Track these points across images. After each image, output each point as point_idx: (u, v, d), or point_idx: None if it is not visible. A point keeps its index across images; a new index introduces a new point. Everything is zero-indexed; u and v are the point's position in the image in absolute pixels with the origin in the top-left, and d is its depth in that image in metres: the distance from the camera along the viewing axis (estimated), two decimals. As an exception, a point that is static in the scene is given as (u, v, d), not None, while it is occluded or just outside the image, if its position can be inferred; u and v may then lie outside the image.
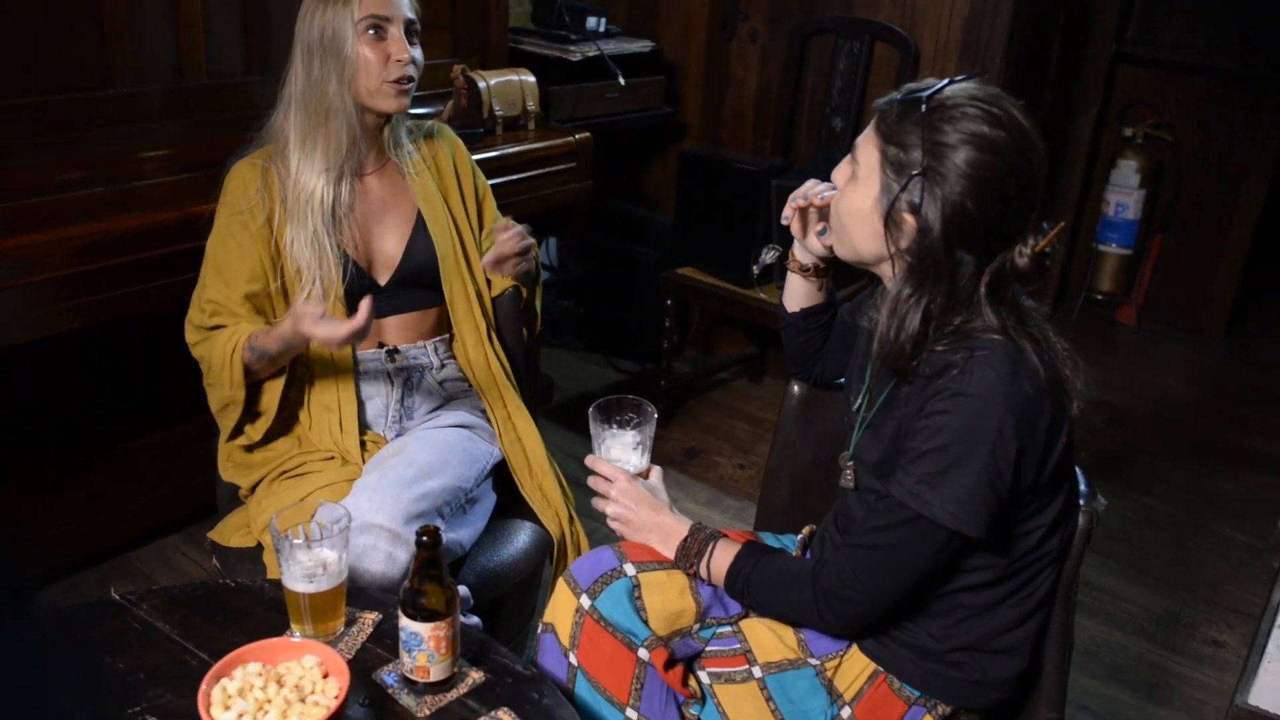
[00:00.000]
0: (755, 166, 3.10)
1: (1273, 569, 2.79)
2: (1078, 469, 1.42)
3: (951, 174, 1.20)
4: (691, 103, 3.74)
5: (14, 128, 2.08)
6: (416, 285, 1.84)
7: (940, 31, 3.12)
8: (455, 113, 2.81)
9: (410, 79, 1.73)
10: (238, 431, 1.77)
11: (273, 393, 1.74)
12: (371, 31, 1.68)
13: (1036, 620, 1.37)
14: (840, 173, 1.36)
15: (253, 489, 1.77)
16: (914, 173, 1.23)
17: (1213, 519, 3.11)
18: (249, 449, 1.78)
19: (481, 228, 1.95)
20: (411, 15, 1.73)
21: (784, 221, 1.52)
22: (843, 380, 1.60)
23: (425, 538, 1.20)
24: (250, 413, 1.75)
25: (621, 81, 3.34)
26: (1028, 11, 3.10)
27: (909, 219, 1.25)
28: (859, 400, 1.42)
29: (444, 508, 1.65)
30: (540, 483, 1.89)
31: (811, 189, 1.46)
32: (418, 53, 1.74)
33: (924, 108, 1.23)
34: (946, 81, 1.26)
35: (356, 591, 1.43)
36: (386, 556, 1.53)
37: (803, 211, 1.50)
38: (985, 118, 1.21)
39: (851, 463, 1.41)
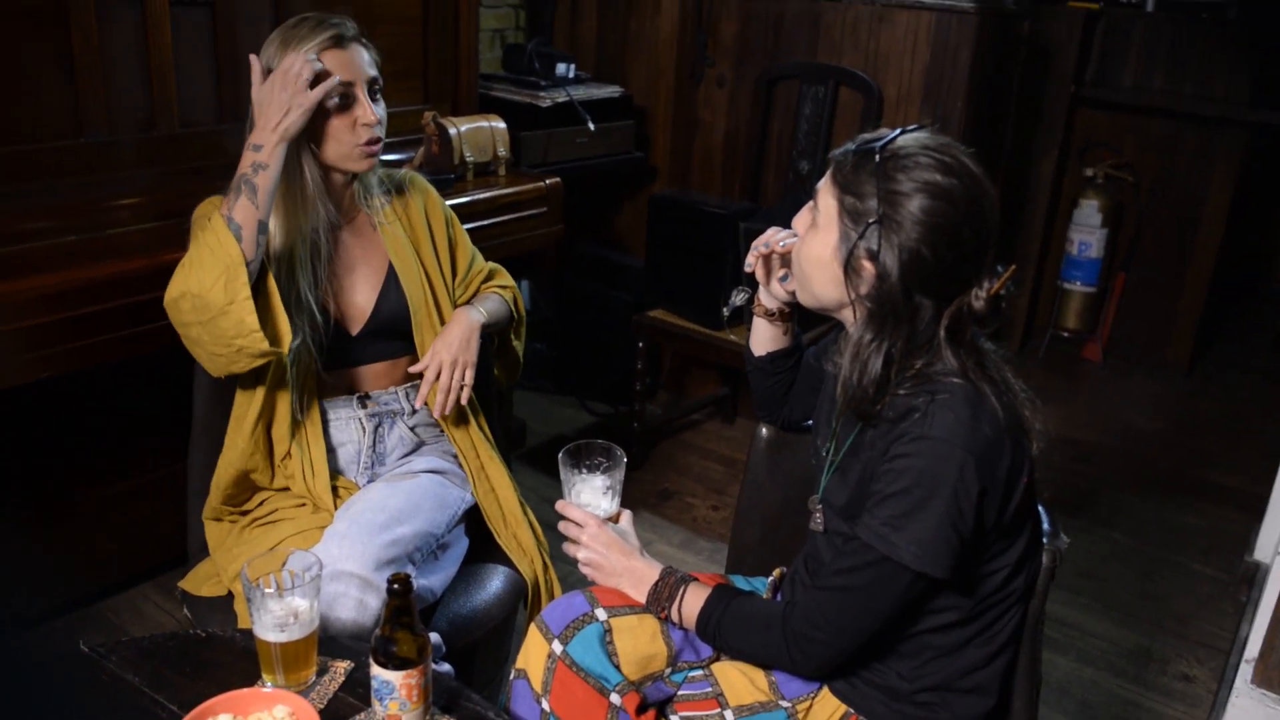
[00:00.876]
0: (724, 209, 3.14)
1: (1239, 603, 2.82)
2: (1040, 508, 1.45)
3: (907, 221, 1.24)
4: (660, 147, 3.79)
5: (-15, 176, 2.08)
6: (388, 336, 1.85)
7: (903, 77, 3.19)
8: (426, 159, 2.84)
9: (379, 139, 1.73)
10: (270, 336, 1.59)
11: (274, 299, 1.62)
12: (337, 99, 1.66)
13: (1004, 659, 1.39)
14: (801, 220, 1.39)
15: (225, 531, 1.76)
16: (870, 220, 1.26)
17: (1179, 553, 3.15)
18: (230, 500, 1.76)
19: (455, 275, 1.96)
20: (374, 73, 1.72)
21: (747, 269, 1.55)
22: (810, 423, 1.63)
23: (396, 585, 1.20)
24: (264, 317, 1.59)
25: (591, 126, 3.38)
26: (987, 57, 3.18)
27: (867, 265, 1.28)
28: (827, 444, 1.44)
29: (415, 554, 1.65)
30: (515, 531, 1.90)
31: (773, 236, 1.50)
32: (381, 109, 1.73)
33: (878, 157, 1.26)
34: (899, 131, 1.30)
35: (328, 640, 1.43)
36: (357, 604, 1.53)
37: (766, 258, 1.53)
38: (937, 166, 1.25)
39: (820, 506, 1.43)
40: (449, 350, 1.81)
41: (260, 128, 1.60)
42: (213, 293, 1.55)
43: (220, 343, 1.58)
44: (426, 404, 1.85)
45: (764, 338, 1.64)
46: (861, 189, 1.27)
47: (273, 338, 1.59)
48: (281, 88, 1.59)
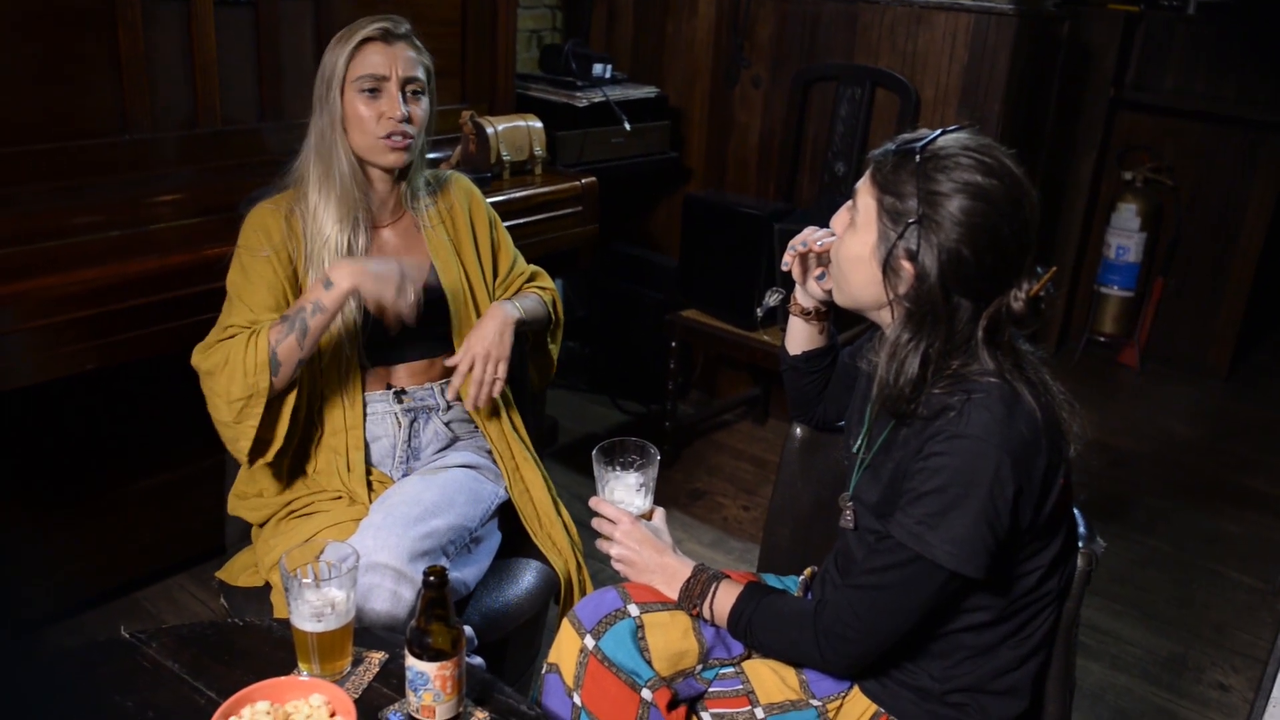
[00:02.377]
0: (759, 210, 3.14)
1: (1277, 612, 2.79)
2: (1076, 511, 1.44)
3: (947, 222, 1.24)
4: (696, 147, 3.80)
5: (32, 172, 2.13)
6: (427, 335, 1.86)
7: (940, 78, 3.17)
8: (463, 157, 2.86)
9: (404, 135, 1.75)
10: (258, 448, 1.71)
11: (284, 411, 1.72)
12: (368, 91, 1.72)
13: (1037, 661, 1.38)
14: (839, 220, 1.39)
15: (261, 525, 1.79)
16: (910, 220, 1.26)
17: (1217, 561, 3.11)
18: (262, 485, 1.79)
19: (496, 275, 1.98)
20: (415, 74, 1.76)
21: (784, 267, 1.56)
22: (843, 422, 1.63)
23: (432, 577, 1.21)
24: (271, 415, 1.70)
25: (627, 126, 3.40)
26: (1026, 58, 3.15)
27: (906, 266, 1.28)
28: (859, 442, 1.44)
29: (449, 546, 1.67)
30: (548, 528, 1.91)
31: (811, 235, 1.50)
32: (420, 109, 1.77)
33: (918, 158, 1.26)
34: (940, 132, 1.29)
35: (363, 630, 1.44)
36: (391, 595, 1.55)
37: (803, 257, 1.53)
38: (978, 167, 1.25)
39: (851, 503, 1.43)
40: (482, 343, 1.83)
41: (345, 268, 1.64)
42: (228, 408, 1.67)
43: (214, 417, 1.71)
44: (460, 398, 1.86)
45: (800, 337, 1.64)
46: (901, 189, 1.27)
47: (261, 446, 1.71)
48: (402, 280, 1.65)
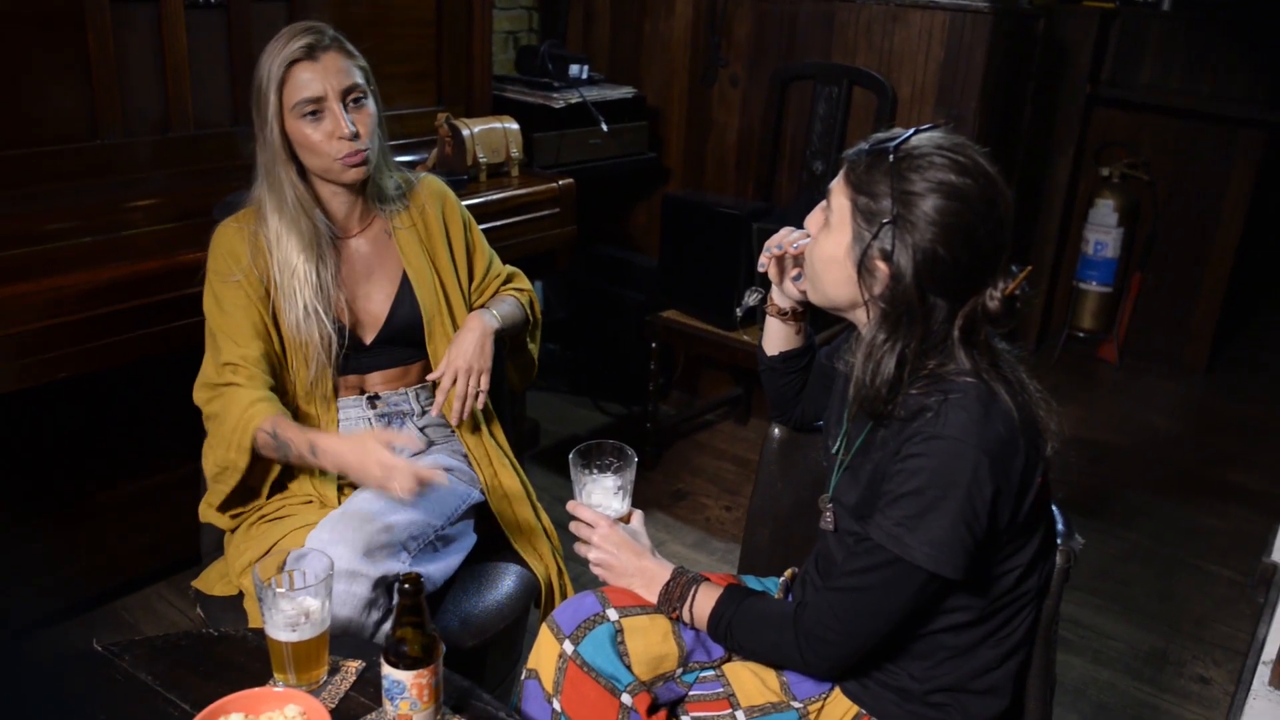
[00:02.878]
0: (737, 209, 3.13)
1: (1257, 604, 2.80)
2: (1055, 508, 1.44)
3: (921, 221, 1.23)
4: (674, 147, 3.79)
5: (2, 179, 2.10)
6: (402, 343, 1.85)
7: (917, 76, 3.18)
8: (440, 160, 2.84)
9: (357, 150, 1.69)
10: (229, 502, 1.73)
11: (268, 473, 1.72)
12: (309, 115, 1.66)
13: (1017, 660, 1.38)
14: (813, 220, 1.39)
15: (233, 531, 1.77)
16: (884, 221, 1.25)
17: (1197, 554, 3.13)
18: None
19: (472, 278, 1.96)
20: (353, 82, 1.69)
21: (760, 268, 1.55)
22: (821, 423, 1.62)
23: (407, 585, 1.20)
24: (244, 486, 1.71)
25: (604, 127, 3.38)
26: (1002, 56, 3.16)
27: (881, 266, 1.27)
28: (837, 443, 1.44)
29: (410, 542, 1.64)
30: (528, 533, 1.90)
31: (786, 237, 1.49)
32: (366, 114, 1.71)
33: (891, 158, 1.26)
34: (913, 131, 1.29)
35: (339, 639, 1.43)
36: (344, 594, 1.53)
37: (779, 258, 1.53)
38: (952, 166, 1.24)
39: (831, 505, 1.42)
40: (463, 357, 1.81)
41: (331, 457, 1.59)
42: (209, 464, 1.71)
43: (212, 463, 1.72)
44: (444, 413, 1.85)
45: (776, 337, 1.64)
46: (875, 189, 1.26)
47: (235, 501, 1.74)
48: (392, 466, 1.54)
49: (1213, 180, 4.31)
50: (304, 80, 1.65)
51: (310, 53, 1.65)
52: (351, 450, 1.58)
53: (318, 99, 1.66)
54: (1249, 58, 4.22)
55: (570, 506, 1.52)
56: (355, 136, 1.68)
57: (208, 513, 1.80)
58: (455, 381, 1.81)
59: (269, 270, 1.72)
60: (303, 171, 1.73)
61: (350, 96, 1.69)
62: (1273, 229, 4.99)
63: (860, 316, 1.35)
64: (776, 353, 1.64)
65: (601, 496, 1.53)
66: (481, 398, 1.84)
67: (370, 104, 1.73)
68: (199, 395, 1.71)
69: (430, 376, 1.85)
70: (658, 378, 3.36)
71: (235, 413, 1.64)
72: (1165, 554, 3.12)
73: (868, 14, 3.23)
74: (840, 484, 1.40)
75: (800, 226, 1.47)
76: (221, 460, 1.67)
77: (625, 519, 1.53)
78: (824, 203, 1.36)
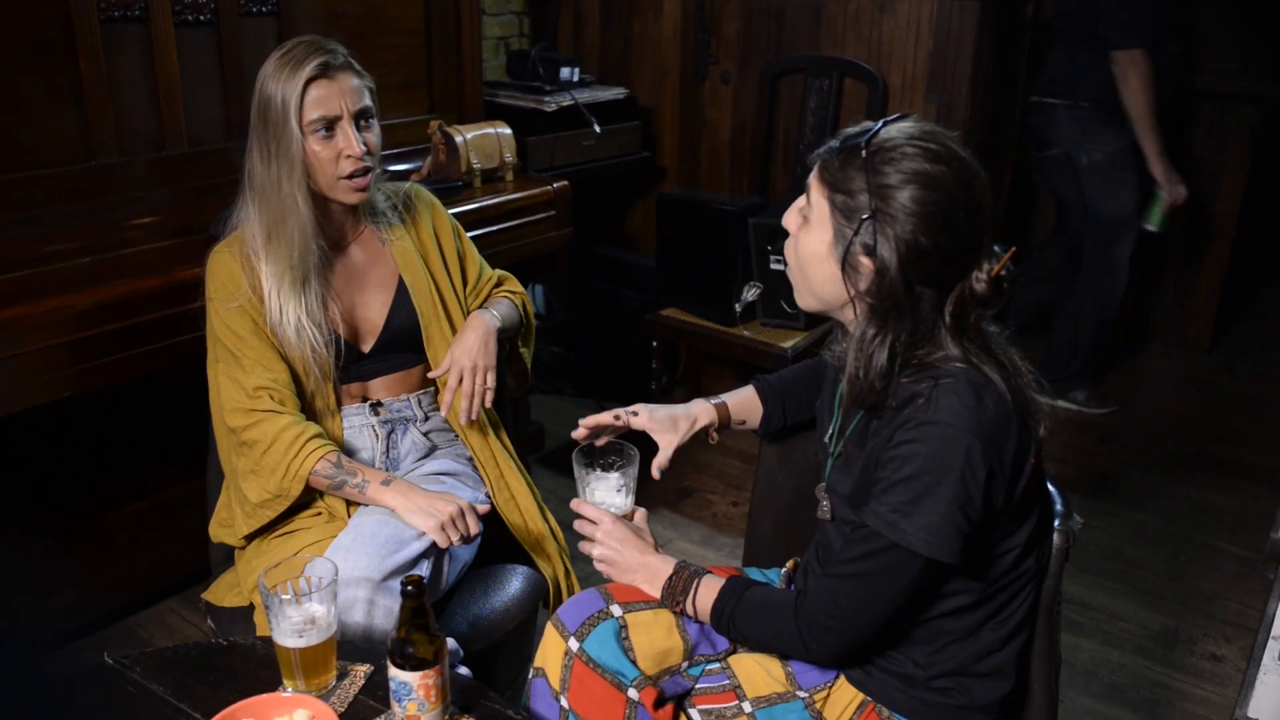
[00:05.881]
0: (733, 206, 3.14)
1: (1267, 580, 2.80)
2: (1052, 488, 1.45)
3: (900, 213, 1.24)
4: (668, 146, 3.80)
5: (0, 203, 2.12)
6: (400, 349, 1.86)
7: (906, 65, 3.18)
8: (434, 168, 2.86)
9: (367, 169, 1.72)
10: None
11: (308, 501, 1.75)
12: (321, 131, 1.68)
13: (1019, 641, 1.39)
14: (790, 219, 1.37)
15: (244, 547, 1.79)
16: (863, 216, 1.26)
17: (1205, 532, 3.13)
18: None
19: (465, 284, 1.98)
20: (365, 104, 1.71)
21: (576, 435, 1.60)
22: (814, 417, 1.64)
23: (410, 587, 1.21)
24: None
25: (597, 129, 3.40)
26: (992, 41, 3.16)
27: (865, 261, 1.27)
28: (830, 432, 1.44)
29: (423, 562, 1.66)
30: (536, 535, 1.91)
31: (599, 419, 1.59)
32: (374, 135, 1.73)
33: (863, 153, 1.26)
34: (881, 123, 1.29)
35: (347, 644, 1.44)
36: (368, 607, 1.54)
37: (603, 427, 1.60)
38: (925, 154, 1.25)
39: (827, 494, 1.43)
40: (468, 356, 1.82)
41: (392, 500, 1.66)
42: (252, 490, 1.72)
43: (242, 485, 1.75)
44: (450, 412, 1.86)
45: (752, 420, 1.74)
46: (850, 186, 1.27)
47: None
48: (450, 508, 1.64)
49: (1210, 157, 4.30)
50: (319, 98, 1.66)
51: (326, 70, 1.66)
52: (425, 494, 1.67)
53: (333, 118, 1.67)
54: (1243, 34, 4.20)
55: (574, 504, 1.53)
56: (366, 154, 1.70)
57: (219, 532, 1.81)
58: (461, 381, 1.82)
59: (261, 290, 1.72)
60: None
61: (362, 118, 1.71)
62: (1272, 205, 4.98)
63: (848, 314, 1.35)
64: (761, 429, 1.74)
65: (605, 494, 1.54)
66: (490, 395, 1.85)
67: (376, 126, 1.75)
68: (237, 420, 1.70)
69: (433, 374, 1.86)
70: (660, 376, 3.37)
71: (285, 442, 1.67)
72: (1174, 533, 3.12)
73: (855, 5, 3.24)
74: (834, 473, 1.41)
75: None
76: (273, 489, 1.69)
77: (629, 516, 1.54)
78: (800, 200, 1.36)
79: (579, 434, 1.58)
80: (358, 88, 1.71)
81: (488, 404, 1.86)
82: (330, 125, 1.68)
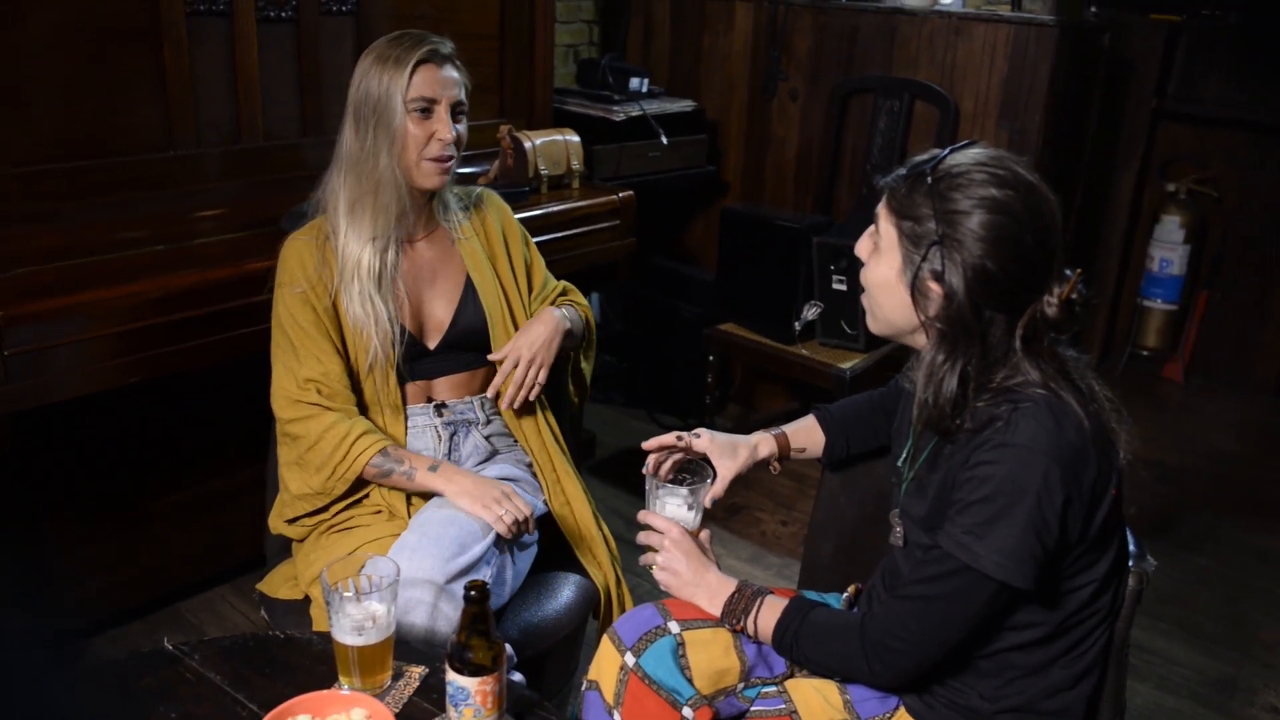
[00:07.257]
0: (797, 224, 3.12)
1: (1331, 632, 2.72)
2: (1127, 529, 1.41)
3: (968, 239, 1.23)
4: (733, 160, 3.79)
5: (80, 188, 2.16)
6: (465, 348, 1.87)
7: (980, 90, 3.14)
8: (501, 172, 2.87)
9: (451, 157, 1.76)
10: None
11: (353, 494, 1.76)
12: (419, 111, 1.72)
13: (1090, 682, 1.35)
14: (863, 246, 1.38)
15: (303, 539, 1.80)
16: (931, 242, 1.25)
17: (1267, 579, 3.04)
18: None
19: (531, 291, 1.98)
20: (462, 97, 1.77)
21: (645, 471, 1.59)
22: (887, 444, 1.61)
23: (473, 592, 1.21)
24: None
25: (664, 140, 3.39)
26: (1066, 69, 3.12)
27: (934, 287, 1.27)
28: (903, 457, 1.42)
29: (484, 568, 1.65)
30: (589, 543, 1.90)
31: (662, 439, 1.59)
32: (463, 128, 1.78)
33: (930, 179, 1.25)
34: (947, 150, 1.29)
35: (402, 644, 1.44)
36: (430, 609, 1.54)
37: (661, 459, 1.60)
38: (992, 180, 1.24)
39: (900, 519, 1.41)
40: (530, 347, 1.84)
41: (443, 484, 1.69)
42: (295, 482, 1.75)
43: (284, 474, 1.78)
44: (498, 395, 1.87)
45: (814, 451, 1.74)
46: (918, 212, 1.26)
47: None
48: (496, 491, 1.67)
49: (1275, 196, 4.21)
50: (425, 80, 1.72)
51: (434, 57, 1.73)
52: (472, 477, 1.70)
53: (434, 100, 1.73)
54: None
55: (642, 515, 1.52)
56: (455, 142, 1.75)
57: (279, 524, 1.82)
58: (515, 367, 1.83)
59: (334, 277, 1.75)
60: None
61: (457, 109, 1.77)
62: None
63: (919, 339, 1.35)
64: (825, 459, 1.74)
65: (674, 509, 1.53)
66: (536, 390, 1.86)
67: (466, 122, 1.80)
68: (284, 410, 1.73)
69: (492, 356, 1.87)
70: (714, 391, 3.35)
71: (332, 442, 1.68)
72: (1234, 578, 3.04)
73: (930, 27, 3.21)
74: (908, 497, 1.38)
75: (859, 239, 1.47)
76: (316, 486, 1.71)
77: (694, 534, 1.53)
78: (871, 228, 1.36)
79: (651, 461, 1.58)
80: (459, 81, 1.77)
81: (532, 397, 1.87)
82: (428, 108, 1.73)
